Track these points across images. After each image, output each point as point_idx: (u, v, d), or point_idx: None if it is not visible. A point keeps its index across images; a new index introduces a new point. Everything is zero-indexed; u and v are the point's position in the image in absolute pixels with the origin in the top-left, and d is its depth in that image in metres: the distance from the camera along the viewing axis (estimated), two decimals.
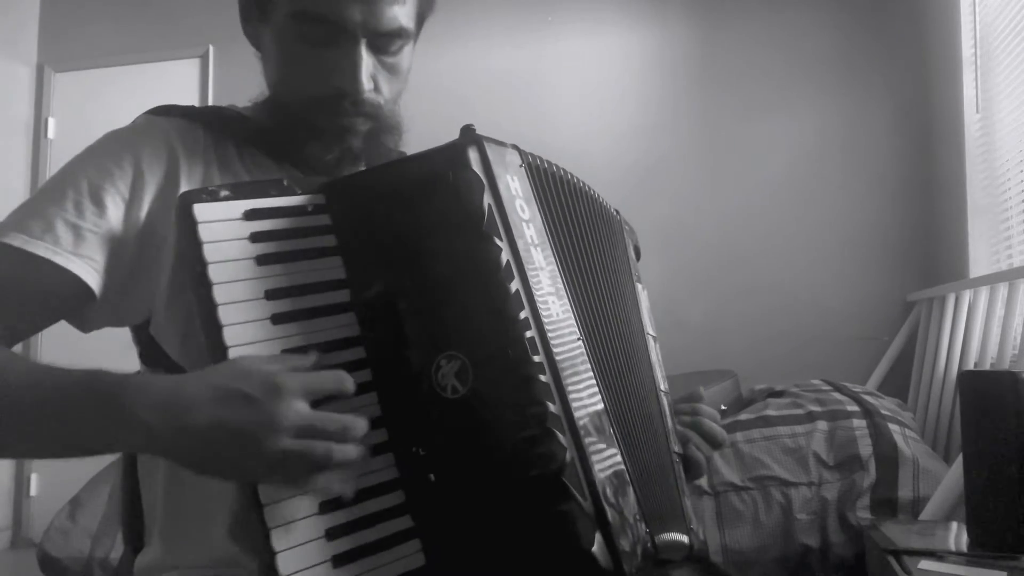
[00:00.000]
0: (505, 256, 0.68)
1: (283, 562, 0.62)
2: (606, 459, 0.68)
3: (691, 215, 3.20)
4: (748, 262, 3.14)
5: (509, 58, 3.46)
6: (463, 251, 0.68)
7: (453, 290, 0.68)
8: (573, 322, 0.71)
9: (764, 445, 1.94)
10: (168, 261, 0.79)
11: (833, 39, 3.17)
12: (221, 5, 3.41)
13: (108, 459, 2.15)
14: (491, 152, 0.71)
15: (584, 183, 0.84)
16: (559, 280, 0.72)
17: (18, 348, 0.77)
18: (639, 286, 0.91)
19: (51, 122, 3.90)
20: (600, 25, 3.41)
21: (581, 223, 0.80)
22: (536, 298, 0.68)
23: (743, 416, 2.07)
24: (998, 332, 2.09)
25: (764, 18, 3.25)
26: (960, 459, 1.36)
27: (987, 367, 2.10)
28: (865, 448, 1.89)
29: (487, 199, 0.69)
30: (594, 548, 0.62)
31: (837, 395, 2.13)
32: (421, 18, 0.90)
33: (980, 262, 2.50)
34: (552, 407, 0.65)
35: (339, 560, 0.64)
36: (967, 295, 2.34)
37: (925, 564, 1.17)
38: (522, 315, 0.66)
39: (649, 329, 0.89)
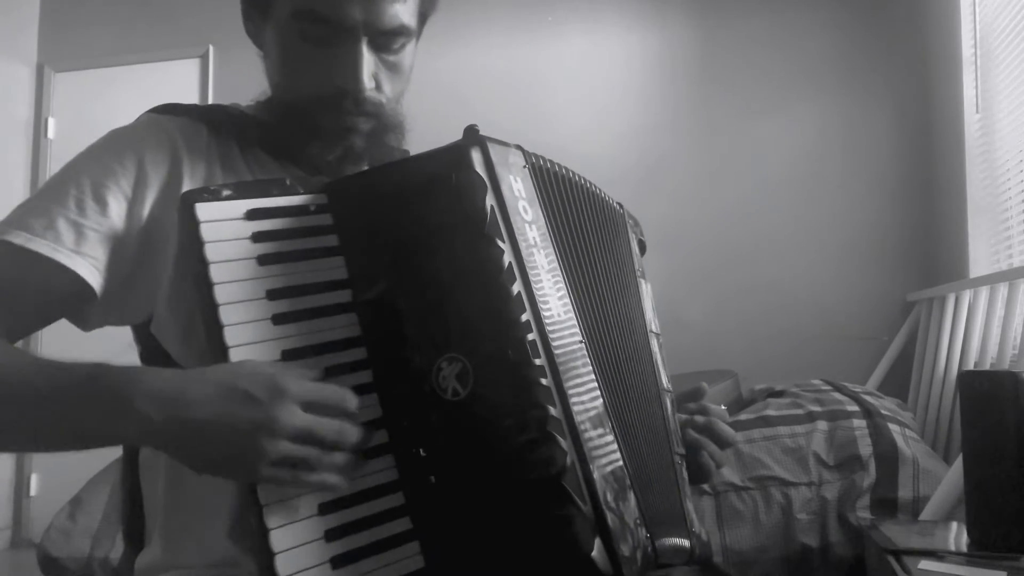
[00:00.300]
0: (507, 258, 0.68)
1: (282, 563, 0.62)
2: (606, 461, 0.67)
3: (691, 215, 3.20)
4: (748, 262, 3.14)
5: (509, 58, 3.46)
6: (465, 252, 0.68)
7: (455, 292, 0.68)
8: (575, 324, 0.71)
9: (764, 445, 1.94)
10: (170, 260, 0.79)
11: (833, 39, 3.17)
12: (221, 5, 3.41)
13: (108, 459, 2.15)
14: (494, 153, 0.71)
15: (588, 181, 0.84)
16: (561, 282, 0.72)
17: (19, 345, 0.77)
18: (643, 282, 0.90)
19: (51, 122, 3.90)
20: (600, 25, 3.41)
21: (584, 223, 0.80)
22: (538, 300, 0.68)
23: (743, 416, 2.07)
24: (998, 332, 2.09)
25: (764, 18, 3.25)
26: (960, 459, 1.36)
27: (987, 367, 2.10)
28: (865, 448, 1.89)
29: (490, 200, 0.69)
30: (594, 553, 0.62)
31: (837, 395, 2.13)
32: (423, 16, 0.90)
33: (980, 262, 2.50)
34: (553, 411, 0.65)
35: (338, 561, 0.64)
36: (967, 295, 2.34)
37: (925, 564, 1.17)
38: (524, 317, 0.66)
39: (652, 326, 0.89)
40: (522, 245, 0.69)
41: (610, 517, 0.64)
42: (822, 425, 1.97)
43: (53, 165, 3.84)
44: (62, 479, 2.68)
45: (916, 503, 1.77)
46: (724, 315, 3.12)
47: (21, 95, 3.88)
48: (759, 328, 3.07)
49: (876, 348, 2.95)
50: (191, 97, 3.70)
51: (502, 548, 0.65)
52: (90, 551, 2.03)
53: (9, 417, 0.67)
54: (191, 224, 0.68)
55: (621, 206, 0.91)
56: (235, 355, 0.65)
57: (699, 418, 0.89)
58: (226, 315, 0.66)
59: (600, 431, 0.68)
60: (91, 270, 0.77)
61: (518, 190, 0.72)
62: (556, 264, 0.73)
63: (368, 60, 0.83)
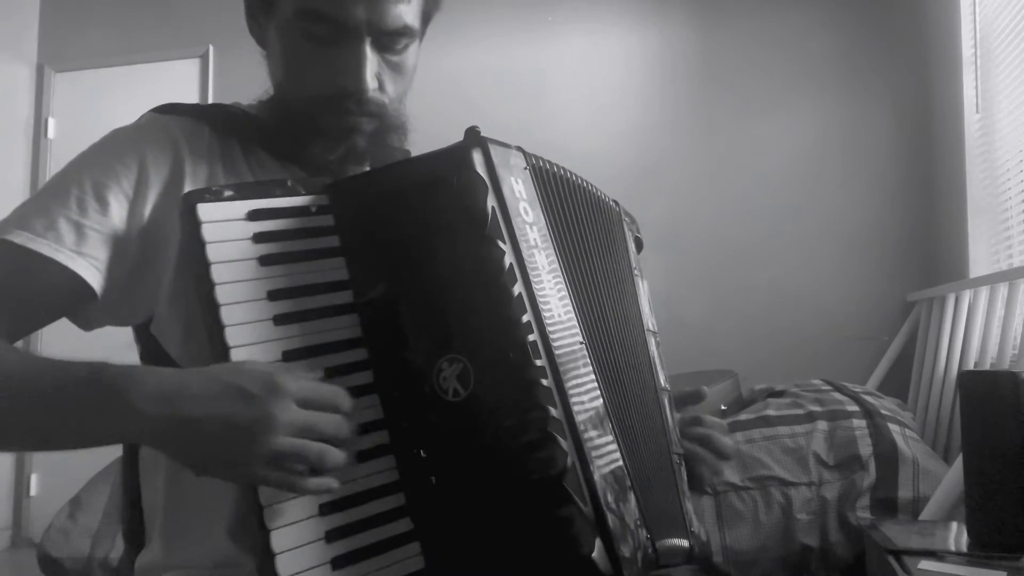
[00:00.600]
0: (508, 259, 0.68)
1: (282, 563, 0.62)
2: (606, 462, 0.67)
3: (691, 214, 3.20)
4: (748, 261, 3.14)
5: (510, 57, 3.47)
6: (466, 254, 0.68)
7: (456, 292, 0.68)
8: (576, 325, 0.71)
9: (764, 445, 1.94)
10: (171, 260, 0.79)
11: (833, 39, 3.17)
12: (221, 5, 3.41)
13: (108, 459, 2.15)
14: (495, 154, 0.71)
15: (586, 180, 0.84)
16: (562, 283, 0.72)
17: (19, 345, 0.77)
18: (640, 281, 0.90)
19: (51, 122, 3.90)
20: (600, 25, 3.41)
21: (584, 224, 0.80)
22: (539, 301, 0.68)
23: (743, 416, 2.07)
24: (998, 332, 2.09)
25: (764, 17, 3.25)
26: (960, 459, 1.36)
27: (987, 367, 2.11)
28: (865, 448, 1.89)
29: (491, 202, 0.69)
30: (594, 554, 0.62)
31: (837, 395, 2.13)
32: (427, 17, 0.90)
33: (980, 262, 2.50)
34: (553, 411, 0.65)
35: (338, 562, 0.64)
36: (967, 295, 2.34)
37: (925, 564, 1.17)
38: (524, 318, 0.66)
39: (649, 325, 0.89)
40: (523, 246, 0.69)
41: (610, 518, 0.64)
42: (822, 425, 1.97)
43: (53, 165, 3.84)
44: (62, 479, 2.68)
45: (916, 503, 1.78)
46: (724, 315, 3.12)
47: (21, 95, 3.88)
48: (759, 328, 3.07)
49: (876, 348, 2.95)
50: (191, 97, 3.70)
51: (503, 549, 0.65)
52: (90, 551, 2.03)
53: (9, 416, 0.67)
54: (193, 225, 0.68)
55: (617, 204, 0.91)
56: (236, 355, 0.65)
57: (698, 430, 0.89)
58: (227, 315, 0.66)
59: (600, 432, 0.68)
60: (92, 270, 0.77)
61: (519, 191, 0.72)
62: (557, 265, 0.73)
63: (371, 60, 0.83)
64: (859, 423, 1.96)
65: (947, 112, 2.74)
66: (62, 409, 0.65)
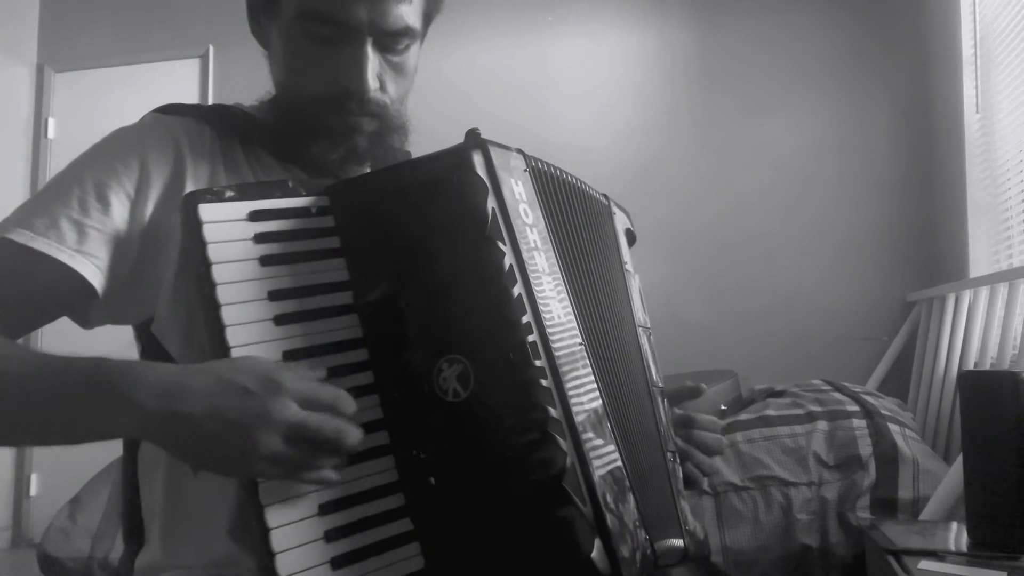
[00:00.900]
0: (508, 260, 0.68)
1: (282, 563, 0.62)
2: (606, 463, 0.68)
3: (691, 214, 3.21)
4: (748, 262, 3.14)
5: (510, 58, 3.47)
6: (466, 255, 0.68)
7: (456, 293, 0.68)
8: (575, 326, 0.71)
9: (764, 445, 1.94)
10: (172, 260, 0.79)
11: (833, 39, 3.17)
12: (221, 5, 3.41)
13: (108, 459, 2.15)
14: (495, 156, 0.71)
15: (576, 177, 0.84)
16: (562, 284, 0.72)
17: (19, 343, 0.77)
18: (630, 278, 0.90)
19: (51, 122, 3.91)
20: (600, 25, 3.41)
21: (580, 225, 0.80)
22: (538, 302, 0.68)
23: (743, 416, 2.07)
24: (998, 332, 2.09)
25: (764, 18, 3.25)
26: (960, 459, 1.36)
27: (987, 367, 2.11)
28: (865, 448, 1.89)
29: (491, 203, 0.69)
30: (593, 554, 0.62)
31: (837, 395, 2.13)
32: (428, 18, 0.90)
33: (980, 262, 2.50)
34: (553, 412, 0.65)
35: (338, 562, 0.64)
36: (967, 295, 2.34)
37: (925, 564, 1.17)
38: (524, 319, 0.67)
39: (641, 320, 0.88)
40: (523, 247, 0.69)
41: (610, 518, 0.64)
42: (822, 425, 1.97)
43: (53, 165, 3.84)
44: (62, 479, 2.68)
45: (916, 503, 1.78)
46: (724, 315, 3.12)
47: (21, 95, 3.88)
48: (759, 328, 3.07)
49: (876, 348, 2.95)
50: (191, 97, 3.70)
51: (502, 549, 0.65)
52: (90, 551, 2.03)
53: (8, 410, 0.67)
54: (194, 225, 0.68)
55: (607, 197, 0.91)
56: (237, 355, 0.65)
57: (691, 433, 0.89)
58: (228, 315, 0.66)
59: (599, 432, 0.68)
60: (93, 269, 0.77)
61: (519, 193, 0.72)
62: (556, 266, 0.73)
63: (373, 61, 0.83)
64: (859, 423, 1.96)
65: (947, 112, 2.74)
66: (61, 404, 0.65)
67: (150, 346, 0.83)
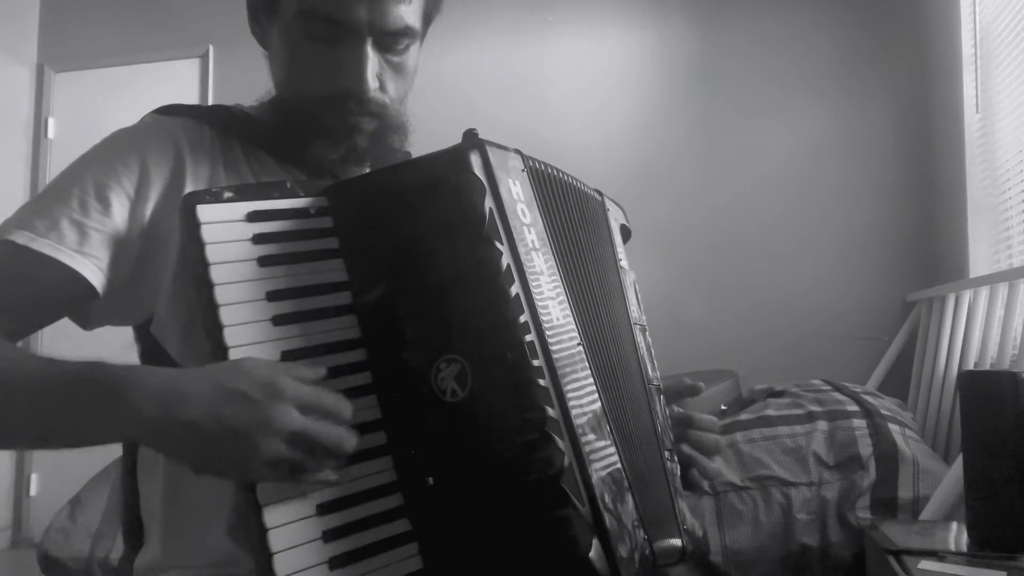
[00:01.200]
0: (506, 260, 0.68)
1: (280, 563, 0.62)
2: (605, 463, 0.68)
3: (691, 215, 3.20)
4: (748, 262, 3.14)
5: (510, 57, 3.47)
6: (464, 254, 0.68)
7: (453, 293, 0.68)
8: (573, 326, 0.72)
9: (764, 445, 1.94)
10: (171, 261, 0.80)
11: (833, 39, 3.17)
12: (221, 5, 3.41)
13: (108, 459, 2.15)
14: (493, 156, 0.71)
15: (569, 175, 0.84)
16: (559, 284, 0.73)
17: (19, 344, 0.77)
18: (625, 275, 0.90)
19: (51, 122, 3.90)
20: (600, 25, 3.41)
21: (576, 225, 0.80)
22: (536, 302, 0.68)
23: (743, 416, 2.07)
24: (998, 332, 2.09)
25: (764, 18, 3.25)
26: (960, 459, 1.36)
27: (987, 367, 2.10)
28: (865, 448, 1.89)
29: (488, 203, 0.69)
30: (591, 554, 0.62)
31: (837, 395, 2.13)
32: (428, 18, 0.90)
33: (980, 262, 2.50)
34: (551, 411, 0.65)
35: (336, 562, 0.64)
36: (967, 295, 2.34)
37: (925, 564, 1.17)
38: (522, 319, 0.67)
39: (636, 317, 0.88)
40: (520, 247, 0.69)
41: (608, 519, 0.64)
42: (822, 425, 1.97)
43: (53, 165, 3.84)
44: (62, 479, 2.68)
45: (916, 503, 1.78)
46: (724, 314, 3.12)
47: (21, 95, 3.88)
48: (759, 328, 3.07)
49: (876, 348, 2.95)
50: (191, 97, 3.70)
51: (500, 549, 0.65)
52: (90, 551, 2.03)
53: (6, 415, 0.67)
54: (192, 225, 0.68)
55: (600, 193, 0.91)
56: (235, 356, 0.65)
57: (689, 433, 0.89)
58: (226, 316, 0.66)
59: (598, 433, 0.68)
60: (94, 270, 0.77)
61: (516, 193, 0.72)
62: (554, 266, 0.73)
63: (373, 60, 0.83)
64: (859, 423, 1.96)
65: (947, 112, 2.74)
66: (61, 410, 0.65)
67: (150, 346, 0.83)
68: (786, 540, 1.81)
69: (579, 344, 0.71)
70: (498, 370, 0.66)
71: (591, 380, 0.71)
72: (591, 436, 0.67)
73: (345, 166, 0.88)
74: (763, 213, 3.16)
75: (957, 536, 1.36)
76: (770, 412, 2.06)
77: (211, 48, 3.75)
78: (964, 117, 2.56)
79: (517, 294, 0.67)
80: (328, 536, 0.64)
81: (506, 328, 0.66)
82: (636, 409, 0.79)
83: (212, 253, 0.67)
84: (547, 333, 0.67)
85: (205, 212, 0.68)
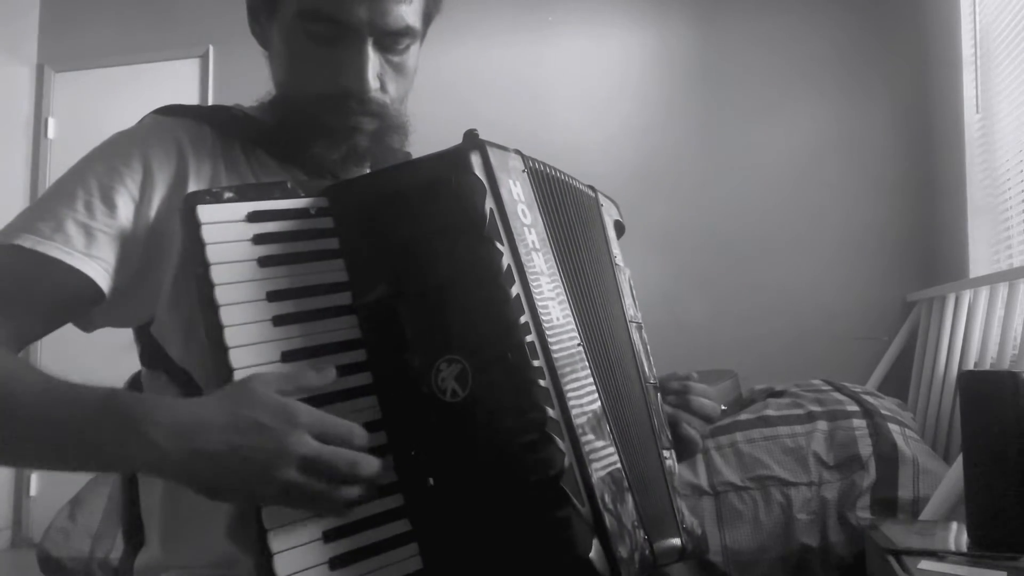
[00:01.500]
0: (506, 260, 0.68)
1: (280, 563, 0.62)
2: (605, 464, 0.68)
3: (691, 215, 3.20)
4: (748, 262, 3.14)
5: (510, 57, 3.47)
6: (464, 255, 0.68)
7: (454, 294, 0.68)
8: (573, 326, 0.72)
9: (764, 445, 1.94)
10: (173, 262, 0.79)
11: (833, 39, 3.17)
12: (221, 5, 3.41)
13: None
14: (493, 157, 0.71)
15: (564, 172, 0.83)
16: (560, 284, 0.73)
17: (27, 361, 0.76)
18: (620, 272, 0.89)
19: (51, 122, 3.90)
20: (600, 26, 3.41)
21: (575, 225, 0.80)
22: (536, 302, 0.68)
23: (743, 416, 2.07)
24: (998, 332, 2.09)
25: (764, 18, 3.25)
26: (960, 459, 1.36)
27: (987, 367, 2.10)
28: (865, 448, 1.89)
29: (489, 203, 0.69)
30: (591, 554, 0.62)
31: (837, 395, 2.13)
32: (428, 18, 0.90)
33: (980, 262, 2.50)
34: (551, 412, 0.65)
35: (336, 562, 0.64)
36: (967, 295, 2.34)
37: (925, 564, 1.17)
38: (522, 319, 0.67)
39: (632, 315, 0.88)
40: (521, 248, 0.69)
41: (608, 519, 0.64)
42: (822, 425, 1.97)
43: (53, 165, 3.84)
44: (62, 479, 2.67)
45: (916, 503, 1.78)
46: (724, 315, 3.12)
47: (21, 95, 3.88)
48: (759, 328, 3.07)
49: (876, 348, 2.95)
50: (191, 97, 3.70)
51: (500, 549, 0.65)
52: (90, 551, 2.03)
53: (19, 440, 0.67)
54: (193, 226, 0.68)
55: (594, 189, 0.91)
56: (235, 356, 0.65)
57: (674, 384, 0.89)
58: (227, 316, 0.66)
59: (598, 433, 0.68)
60: (101, 272, 0.77)
61: (517, 194, 0.72)
62: (555, 267, 0.73)
63: (373, 60, 0.83)
64: (859, 423, 1.96)
65: (947, 112, 2.74)
66: (74, 438, 0.65)
67: (150, 347, 0.83)
68: (786, 540, 1.81)
69: (579, 344, 0.71)
70: (499, 370, 0.66)
71: (591, 380, 0.71)
72: (591, 436, 0.67)
73: (345, 166, 0.88)
74: (763, 213, 3.16)
75: (957, 536, 1.35)
76: (770, 412, 2.06)
77: (211, 48, 3.75)
78: (964, 117, 2.56)
79: (518, 294, 0.67)
80: (328, 536, 0.64)
81: (507, 328, 0.66)
82: (635, 408, 0.79)
83: (212, 253, 0.67)
84: (547, 333, 0.67)
85: (205, 212, 0.68)
